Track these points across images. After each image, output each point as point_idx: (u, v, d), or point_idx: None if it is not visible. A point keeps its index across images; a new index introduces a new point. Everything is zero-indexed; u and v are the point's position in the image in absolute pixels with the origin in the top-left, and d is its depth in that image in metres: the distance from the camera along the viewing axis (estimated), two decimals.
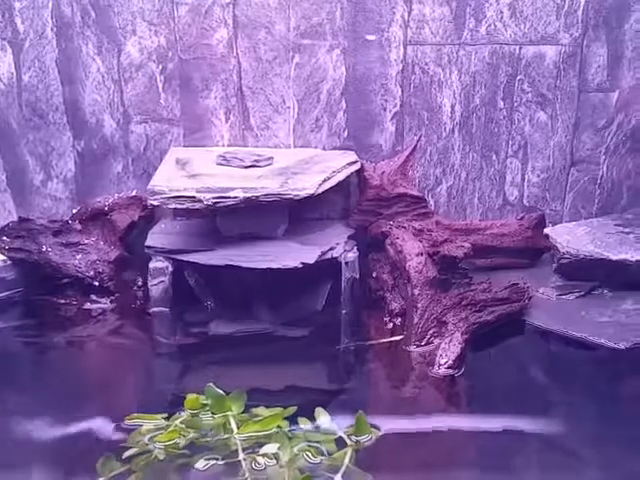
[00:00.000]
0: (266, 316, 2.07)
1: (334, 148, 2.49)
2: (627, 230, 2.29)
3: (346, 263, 2.09)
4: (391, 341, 1.92)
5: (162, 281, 2.00)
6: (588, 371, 1.83)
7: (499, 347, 1.91)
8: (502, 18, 2.41)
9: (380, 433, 1.43)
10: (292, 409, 1.53)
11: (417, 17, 2.39)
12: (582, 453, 1.49)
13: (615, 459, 1.47)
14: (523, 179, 2.59)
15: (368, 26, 2.40)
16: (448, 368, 1.72)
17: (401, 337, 1.90)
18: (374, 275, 2.15)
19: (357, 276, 2.10)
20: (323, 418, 1.49)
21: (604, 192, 2.59)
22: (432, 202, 2.58)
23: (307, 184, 1.99)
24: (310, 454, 1.32)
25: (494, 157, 2.56)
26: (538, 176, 2.58)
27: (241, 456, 1.28)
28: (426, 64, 2.45)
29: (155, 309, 2.04)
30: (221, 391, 1.46)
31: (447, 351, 1.75)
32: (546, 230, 2.30)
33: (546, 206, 2.61)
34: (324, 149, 2.48)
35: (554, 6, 2.41)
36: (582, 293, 2.19)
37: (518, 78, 2.47)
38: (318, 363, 1.92)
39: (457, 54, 2.44)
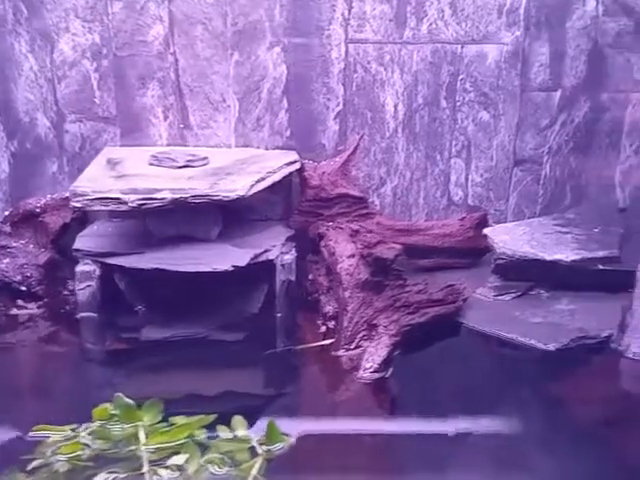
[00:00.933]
0: (200, 320, 2.04)
1: (276, 147, 2.46)
2: (565, 230, 2.29)
3: (282, 265, 2.07)
4: (322, 345, 1.89)
5: (89, 285, 1.95)
6: (515, 373, 1.82)
7: (430, 349, 1.89)
8: (443, 17, 2.40)
9: (293, 440, 1.41)
10: (210, 417, 1.50)
11: (358, 15, 2.37)
12: (504, 453, 1.49)
13: (536, 459, 1.47)
14: (467, 179, 2.58)
15: (308, 24, 2.37)
16: (374, 372, 1.70)
17: (331, 341, 1.88)
18: (310, 277, 2.12)
19: (293, 278, 2.07)
20: (240, 426, 1.46)
21: (547, 192, 2.59)
22: (377, 202, 2.57)
23: (238, 185, 1.96)
24: (217, 465, 1.29)
25: (438, 157, 2.54)
26: (482, 176, 2.57)
27: (145, 468, 1.25)
28: (368, 63, 2.42)
29: (83, 314, 1.99)
30: (130, 400, 1.42)
31: (373, 355, 1.73)
32: (485, 230, 2.29)
33: (490, 206, 2.60)
34: (266, 148, 2.45)
35: (495, 4, 2.39)
36: (519, 293, 2.18)
37: (460, 77, 2.46)
38: (249, 368, 1.89)
39: (399, 53, 2.42)
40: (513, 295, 2.18)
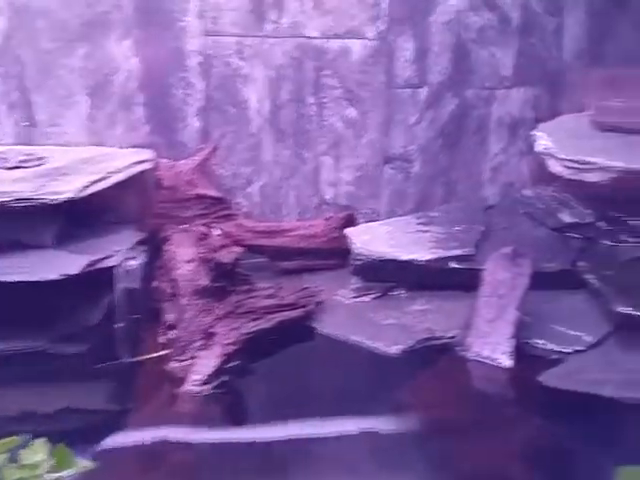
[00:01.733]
0: (38, 332, 1.91)
1: (133, 146, 2.34)
2: (426, 229, 2.25)
3: (127, 272, 1.95)
4: (160, 356, 1.80)
5: None
6: (352, 377, 1.77)
7: (273, 356, 1.82)
8: (305, 10, 2.32)
9: (90, 464, 1.31)
10: (15, 440, 1.38)
11: (213, 6, 2.27)
12: (332, 459, 1.44)
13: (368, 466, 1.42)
14: (338, 177, 2.52)
15: (160, 15, 2.26)
16: (202, 384, 1.61)
17: (167, 352, 1.79)
18: (155, 284, 2.02)
19: (137, 286, 1.95)
20: (39, 450, 1.35)
21: (419, 190, 2.56)
22: (245, 202, 2.49)
23: (71, 186, 1.84)
24: None
25: (307, 155, 2.47)
26: (352, 174, 2.51)
27: None
28: (229, 57, 2.33)
29: None
30: None
31: (203, 366, 1.64)
32: (347, 230, 2.24)
33: (362, 205, 2.55)
34: (121, 147, 2.33)
35: None
36: (378, 294, 2.13)
37: (325, 73, 2.39)
38: (85, 383, 1.79)
39: (260, 47, 2.34)
40: (373, 296, 2.13)
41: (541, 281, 2.03)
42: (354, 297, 2.12)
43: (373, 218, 2.54)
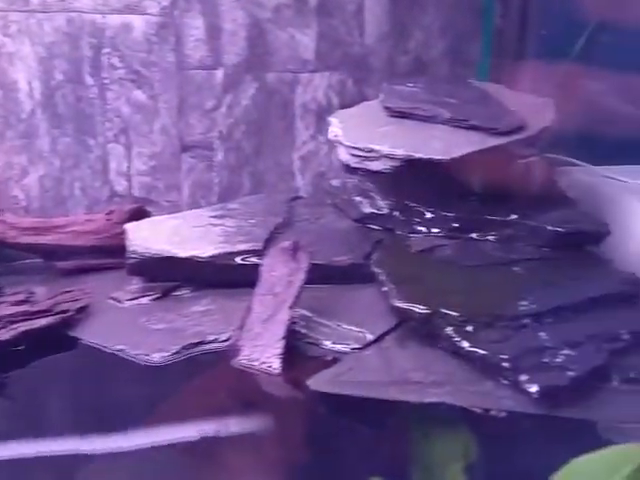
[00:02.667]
0: None
1: None
2: (218, 222, 2.07)
3: None
4: None
5: None
6: (106, 391, 1.57)
7: (14, 372, 1.59)
8: None
9: None
10: None
11: None
12: None
13: None
14: (129, 167, 2.30)
15: None
16: None
17: None
18: None
19: None
20: None
21: (223, 179, 2.39)
22: (22, 196, 2.22)
23: None
24: None
25: (92, 142, 2.23)
26: (146, 164, 2.30)
27: None
28: None
29: None
30: None
31: None
32: (127, 225, 2.02)
33: (161, 197, 2.35)
34: None
35: None
36: (158, 295, 1.93)
37: (105, 51, 2.16)
38: None
39: (26, 22, 2.07)
40: (151, 297, 1.92)
41: (331, 276, 1.92)
42: (130, 299, 1.91)
43: (174, 211, 2.35)
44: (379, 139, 1.91)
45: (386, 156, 1.86)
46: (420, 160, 1.84)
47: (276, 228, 2.07)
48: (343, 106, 2.33)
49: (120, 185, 2.28)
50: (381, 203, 2.10)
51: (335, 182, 2.34)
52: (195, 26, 2.19)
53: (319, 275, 1.87)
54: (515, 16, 2.39)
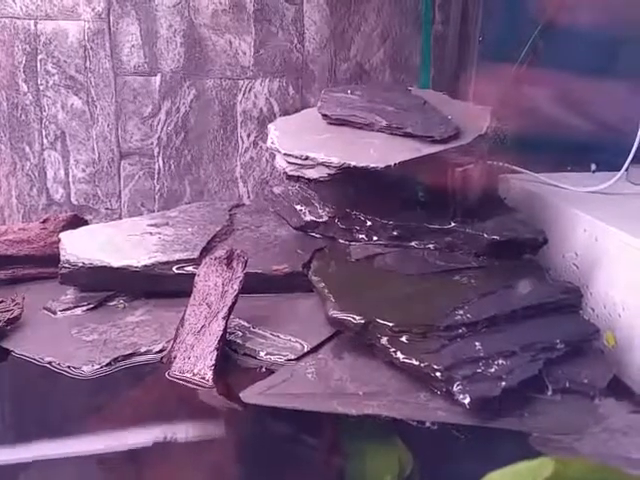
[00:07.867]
0: None
1: None
2: (156, 231, 2.05)
3: None
4: None
5: None
6: (27, 406, 1.53)
7: None
8: None
9: None
10: None
11: None
12: None
13: None
14: (67, 174, 2.25)
15: None
16: None
17: None
18: None
19: None
20: None
21: (164, 187, 2.36)
22: None
23: None
24: None
25: (27, 149, 2.18)
26: (84, 171, 2.26)
27: None
28: None
29: None
30: None
31: None
32: (62, 234, 1.98)
33: (100, 204, 2.31)
34: None
35: None
36: (92, 306, 1.90)
37: (40, 58, 2.11)
38: None
39: None
40: (85, 308, 1.89)
41: (270, 285, 1.91)
42: (64, 310, 1.87)
43: (114, 219, 2.32)
44: (315, 147, 1.91)
45: (322, 164, 1.85)
46: (356, 168, 1.84)
47: (215, 236, 2.06)
48: (285, 113, 2.32)
49: (58, 193, 2.24)
50: (322, 211, 2.10)
51: (277, 189, 2.32)
52: (131, 32, 2.15)
53: (258, 284, 1.86)
54: (455, 23, 2.41)
